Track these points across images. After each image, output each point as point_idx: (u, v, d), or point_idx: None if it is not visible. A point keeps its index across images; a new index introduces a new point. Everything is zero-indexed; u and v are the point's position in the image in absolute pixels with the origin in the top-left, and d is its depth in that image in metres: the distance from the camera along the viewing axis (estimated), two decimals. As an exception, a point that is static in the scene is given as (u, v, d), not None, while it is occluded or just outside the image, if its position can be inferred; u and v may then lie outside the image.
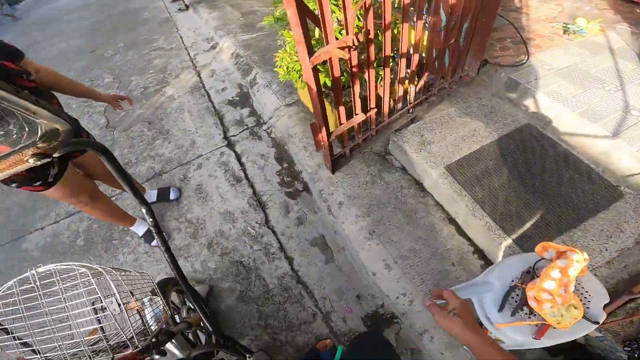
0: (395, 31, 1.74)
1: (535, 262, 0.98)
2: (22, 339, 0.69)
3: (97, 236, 2.16)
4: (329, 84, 1.86)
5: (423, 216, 1.81)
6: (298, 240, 1.99)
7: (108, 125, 3.05)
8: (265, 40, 3.45)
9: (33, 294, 0.70)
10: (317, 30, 1.81)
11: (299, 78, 2.02)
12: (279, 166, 2.43)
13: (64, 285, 0.71)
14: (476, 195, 1.68)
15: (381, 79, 1.78)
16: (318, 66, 1.31)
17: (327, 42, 1.25)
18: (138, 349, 0.74)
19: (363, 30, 1.40)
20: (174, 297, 1.37)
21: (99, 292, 0.74)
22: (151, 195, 2.20)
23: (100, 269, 0.79)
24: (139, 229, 2.00)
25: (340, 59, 1.49)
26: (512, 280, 0.97)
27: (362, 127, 1.90)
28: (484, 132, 2.02)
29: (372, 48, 1.46)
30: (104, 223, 2.18)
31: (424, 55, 1.92)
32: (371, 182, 2.01)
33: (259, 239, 2.02)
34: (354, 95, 1.59)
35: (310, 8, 1.22)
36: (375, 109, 1.79)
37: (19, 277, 0.71)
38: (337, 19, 1.66)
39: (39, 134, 0.54)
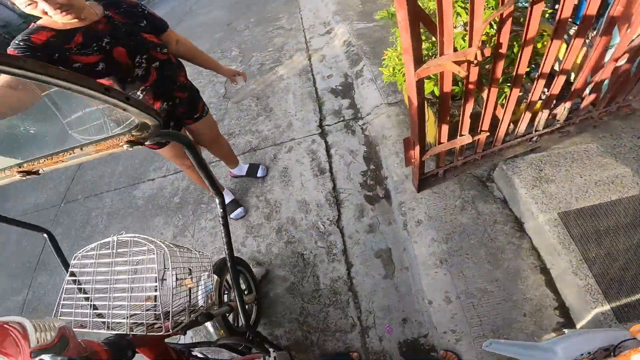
0: (540, 45, 1.41)
1: (622, 341, 0.77)
2: (88, 298, 0.80)
3: (190, 197, 2.48)
4: (436, 92, 1.65)
5: (510, 258, 1.57)
6: (363, 247, 1.92)
7: (225, 95, 3.40)
8: (380, 31, 3.28)
9: (108, 260, 0.80)
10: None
11: (405, 82, 1.85)
12: (365, 166, 2.34)
13: (134, 258, 0.80)
14: (588, 253, 1.38)
15: (505, 98, 1.49)
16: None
17: (442, 53, 1.07)
18: (176, 327, 0.79)
19: (493, 40, 1.16)
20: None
21: (157, 266, 0.80)
22: (242, 168, 2.39)
23: (164, 246, 0.86)
24: (225, 198, 2.21)
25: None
26: (582, 354, 0.81)
27: (464, 149, 1.65)
28: (630, 181, 1.55)
29: (500, 64, 1.21)
30: (198, 186, 2.48)
31: (573, 75, 1.53)
32: (460, 208, 1.78)
33: (326, 236, 2.01)
34: (463, 113, 1.37)
35: (429, 9, 1.06)
36: (487, 133, 1.52)
37: (102, 241, 0.83)
38: (463, 22, 1.42)
39: (134, 125, 0.59)
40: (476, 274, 1.55)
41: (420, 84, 1.12)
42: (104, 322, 0.74)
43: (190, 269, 0.95)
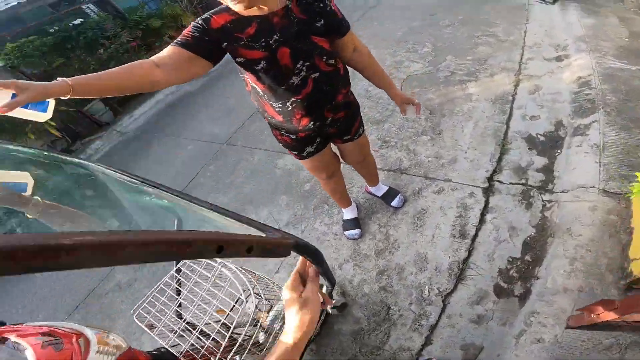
0: None
1: None
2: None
3: (319, 192, 2.49)
4: None
5: None
6: (456, 333, 1.59)
7: (400, 95, 3.18)
8: (647, 82, 2.28)
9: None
10: None
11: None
12: (520, 254, 1.79)
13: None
14: None
15: None
16: None
17: None
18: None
19: None
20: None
21: (241, 290, 0.87)
22: (381, 189, 2.18)
23: (254, 277, 0.86)
24: (348, 214, 2.11)
25: None
26: None
27: None
28: None
29: None
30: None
31: None
32: (605, 347, 1.33)
33: (425, 304, 1.71)
34: None
35: None
36: None
37: (207, 260, 0.87)
38: None
39: None
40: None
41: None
42: (165, 336, 0.79)
43: (272, 305, 0.95)
